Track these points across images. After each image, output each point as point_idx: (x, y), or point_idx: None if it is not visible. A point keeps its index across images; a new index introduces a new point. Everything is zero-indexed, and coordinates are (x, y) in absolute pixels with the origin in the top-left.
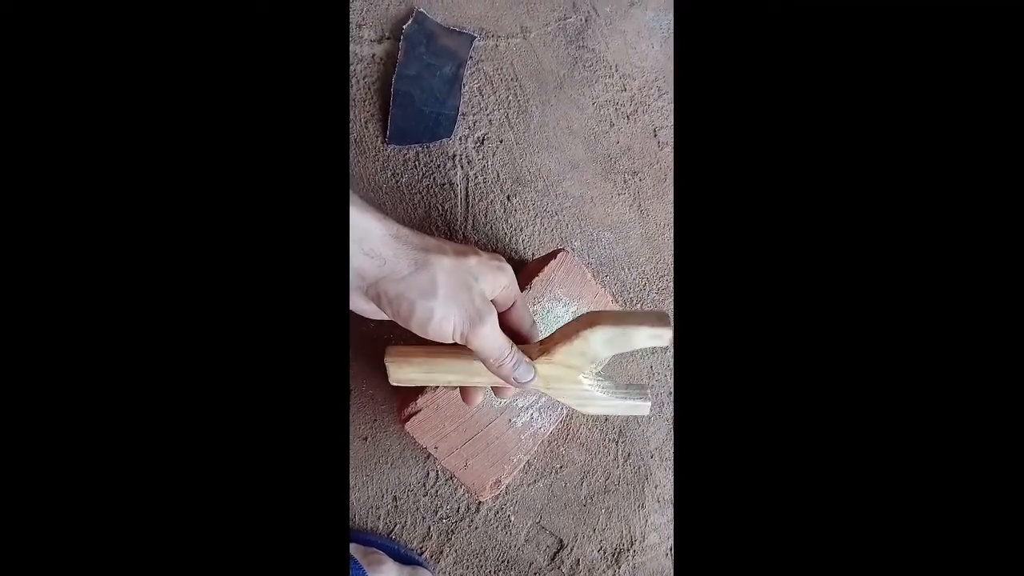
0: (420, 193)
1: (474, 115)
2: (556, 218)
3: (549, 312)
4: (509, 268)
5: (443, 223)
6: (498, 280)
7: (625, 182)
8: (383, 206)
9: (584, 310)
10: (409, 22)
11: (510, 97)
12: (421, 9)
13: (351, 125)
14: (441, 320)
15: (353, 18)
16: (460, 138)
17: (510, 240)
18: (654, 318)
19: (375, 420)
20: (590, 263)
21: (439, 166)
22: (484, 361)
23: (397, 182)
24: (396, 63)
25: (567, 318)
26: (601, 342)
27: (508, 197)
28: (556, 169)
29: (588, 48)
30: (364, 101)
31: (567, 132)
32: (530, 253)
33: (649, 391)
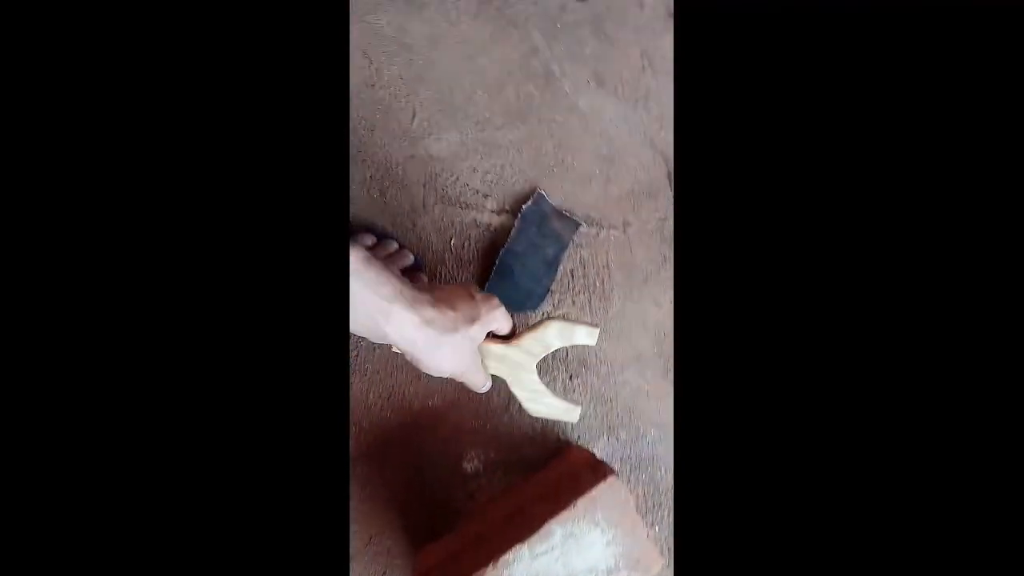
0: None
1: (561, 293)
2: (609, 406)
3: (585, 536)
4: (500, 310)
5: (505, 390)
6: (492, 327)
7: None
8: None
9: (620, 541)
10: (529, 203)
11: (597, 283)
12: (542, 191)
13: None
14: (444, 373)
15: (480, 188)
16: (543, 312)
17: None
18: (589, 323)
19: (384, 573)
20: (630, 457)
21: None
22: (470, 387)
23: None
24: (508, 238)
25: (600, 545)
26: (554, 332)
27: (570, 377)
28: (621, 358)
29: None
30: (469, 262)
31: (640, 326)
32: (576, 436)
33: (580, 408)
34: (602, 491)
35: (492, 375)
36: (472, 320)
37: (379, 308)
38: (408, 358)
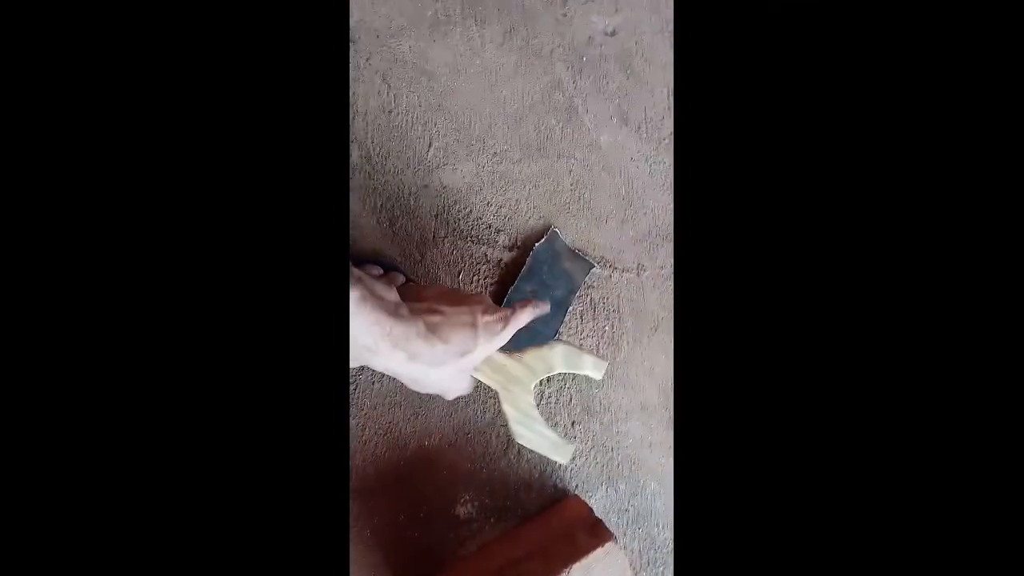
0: (494, 399)
1: (569, 336)
2: (610, 455)
3: None
4: (501, 336)
5: (505, 433)
6: (486, 354)
7: None
8: (456, 401)
9: None
10: (542, 241)
11: (607, 328)
12: (556, 229)
13: None
14: (425, 392)
15: (494, 222)
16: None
17: (560, 465)
18: (597, 357)
19: None
20: (627, 510)
21: None
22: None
23: (477, 382)
24: (518, 275)
25: None
26: (560, 355)
27: (572, 423)
28: (626, 407)
29: None
30: None
31: (647, 374)
32: (575, 484)
33: (574, 446)
34: (599, 557)
35: (489, 385)
36: (463, 354)
37: (367, 347)
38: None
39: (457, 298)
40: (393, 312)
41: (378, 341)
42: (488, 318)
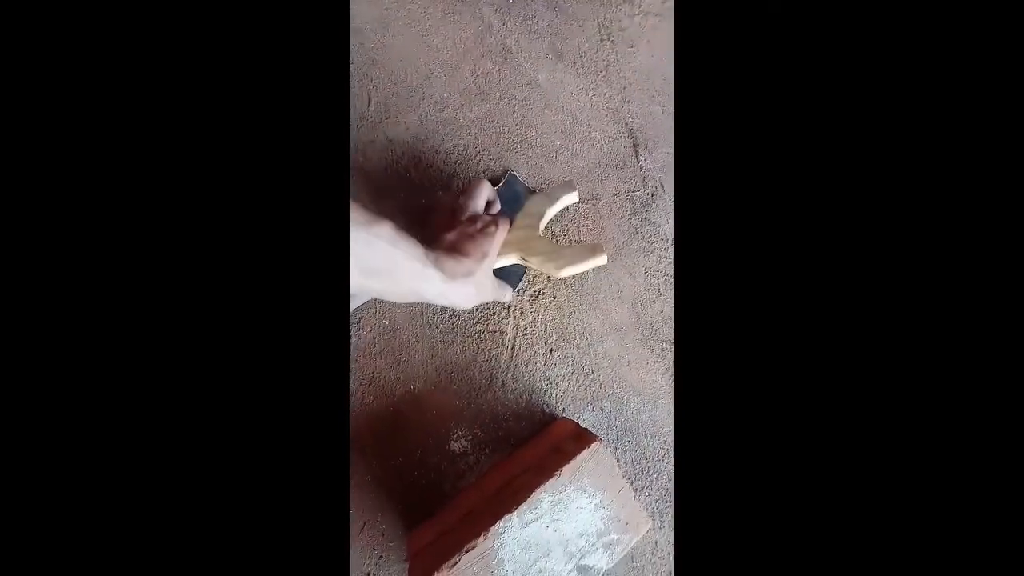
0: (471, 338)
1: None
2: (592, 376)
3: (573, 502)
4: (500, 233)
5: (486, 368)
6: (499, 244)
7: (663, 350)
8: (435, 344)
9: (607, 505)
10: (501, 184)
11: None
12: (513, 172)
13: None
14: (473, 304)
15: (445, 168)
16: (518, 290)
17: (545, 392)
18: (568, 184)
19: (380, 557)
20: (616, 426)
21: (494, 314)
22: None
23: (452, 323)
24: None
25: (589, 510)
26: (535, 202)
27: (551, 351)
28: (600, 329)
29: (650, 221)
30: None
31: (616, 296)
32: (561, 408)
33: (600, 244)
34: (586, 458)
35: (507, 266)
36: (483, 256)
37: (419, 273)
38: (439, 304)
39: (442, 223)
40: (421, 244)
41: (425, 266)
42: (476, 226)
